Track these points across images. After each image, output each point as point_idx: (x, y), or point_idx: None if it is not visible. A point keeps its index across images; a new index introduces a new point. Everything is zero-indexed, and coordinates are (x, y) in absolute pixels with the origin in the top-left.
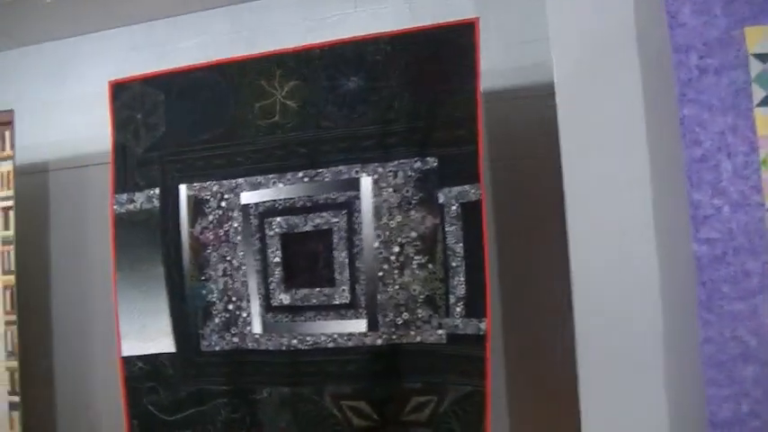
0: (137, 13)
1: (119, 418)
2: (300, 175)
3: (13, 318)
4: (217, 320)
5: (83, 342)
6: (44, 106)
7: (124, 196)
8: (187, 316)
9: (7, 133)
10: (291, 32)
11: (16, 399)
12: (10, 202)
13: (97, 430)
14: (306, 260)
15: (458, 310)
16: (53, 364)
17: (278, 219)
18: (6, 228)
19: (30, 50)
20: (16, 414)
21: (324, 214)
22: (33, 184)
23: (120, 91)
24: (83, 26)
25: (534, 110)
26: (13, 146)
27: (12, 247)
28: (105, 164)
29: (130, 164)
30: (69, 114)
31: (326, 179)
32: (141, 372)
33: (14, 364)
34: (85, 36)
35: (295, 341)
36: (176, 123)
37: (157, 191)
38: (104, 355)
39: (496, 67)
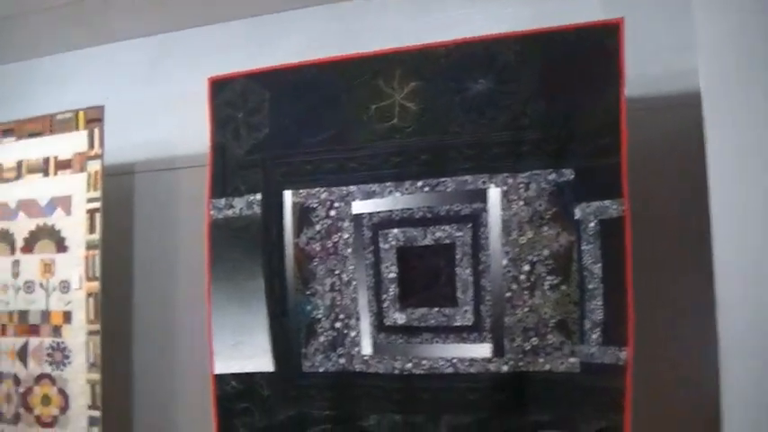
0: (233, 10)
1: None
2: (420, 183)
3: (97, 327)
4: (322, 339)
5: (168, 356)
6: (132, 105)
7: (222, 201)
8: (289, 333)
9: (96, 130)
10: (403, 32)
11: (97, 413)
12: (97, 204)
13: None
14: (424, 277)
15: (594, 336)
16: (134, 378)
17: (394, 231)
18: (92, 231)
19: (120, 47)
20: (96, 430)
21: (446, 227)
22: (118, 186)
23: (220, 88)
24: (176, 22)
25: (676, 120)
26: (102, 144)
27: (97, 252)
28: (197, 167)
29: (230, 166)
30: (159, 114)
31: (449, 189)
32: (235, 391)
33: (96, 376)
34: (179, 32)
35: (409, 365)
36: (282, 124)
37: (259, 196)
38: (192, 371)
39: (634, 73)
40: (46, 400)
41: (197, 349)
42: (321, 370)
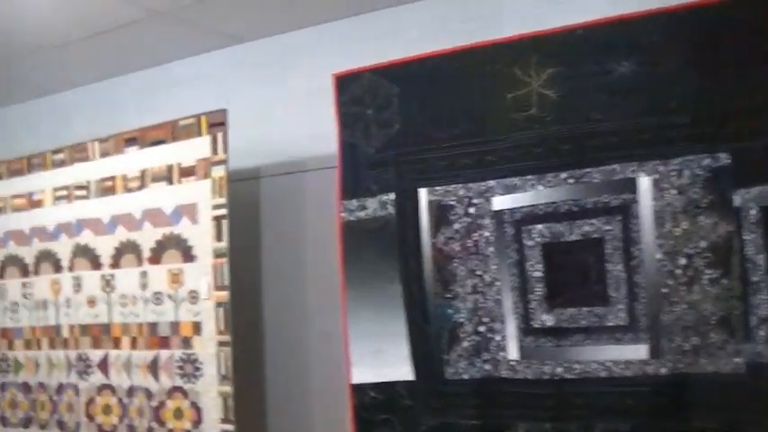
0: (354, 5)
1: None
2: (564, 175)
3: (227, 338)
4: (465, 344)
5: (301, 366)
6: (255, 107)
7: (354, 202)
8: (429, 339)
9: (220, 135)
10: (530, 17)
11: (230, 427)
12: (223, 211)
13: None
14: (573, 274)
15: (761, 333)
16: (266, 389)
17: (538, 227)
18: (219, 239)
19: (241, 49)
20: None
21: (593, 221)
22: (244, 192)
23: (346, 84)
24: (297, 20)
25: None
26: (226, 149)
27: (225, 260)
28: (324, 169)
29: (361, 166)
30: (283, 115)
31: (596, 180)
32: (374, 402)
33: (228, 389)
34: (301, 30)
35: (560, 369)
36: (414, 118)
37: (393, 196)
38: (327, 381)
39: None
40: (178, 413)
41: (332, 358)
42: (465, 377)
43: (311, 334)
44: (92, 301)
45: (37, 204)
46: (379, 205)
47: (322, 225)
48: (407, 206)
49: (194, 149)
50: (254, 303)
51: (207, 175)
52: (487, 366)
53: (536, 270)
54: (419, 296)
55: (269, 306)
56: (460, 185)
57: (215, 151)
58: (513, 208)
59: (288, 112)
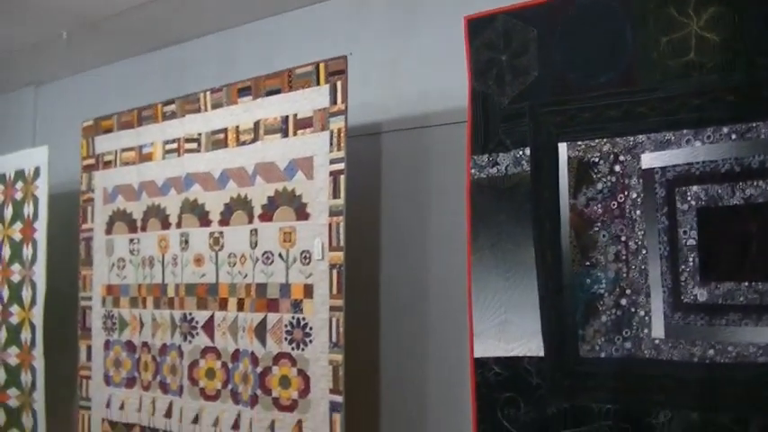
0: None
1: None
2: (726, 130)
3: (340, 303)
4: (604, 319)
5: (419, 337)
6: (376, 57)
7: (485, 158)
8: (563, 312)
9: (339, 84)
10: None
11: (339, 398)
12: (341, 165)
13: None
14: (732, 244)
15: None
16: (380, 360)
17: (694, 188)
18: (335, 195)
19: None
20: (338, 416)
21: (759, 183)
22: (364, 148)
23: (479, 28)
24: None
25: None
26: (345, 98)
27: (341, 219)
28: (451, 124)
29: (493, 118)
30: (408, 65)
31: (763, 136)
32: (498, 378)
33: (339, 357)
34: None
35: (711, 351)
36: (553, 65)
37: (528, 151)
38: (447, 353)
39: None
40: (285, 381)
41: (453, 329)
42: (602, 355)
43: (431, 302)
44: (199, 260)
45: (146, 158)
46: (513, 162)
47: (447, 184)
48: (544, 163)
49: (311, 99)
50: (371, 267)
51: (324, 127)
52: (628, 344)
53: (689, 238)
54: (554, 263)
55: (386, 270)
56: (605, 140)
57: (333, 101)
58: (666, 166)
59: (413, 62)
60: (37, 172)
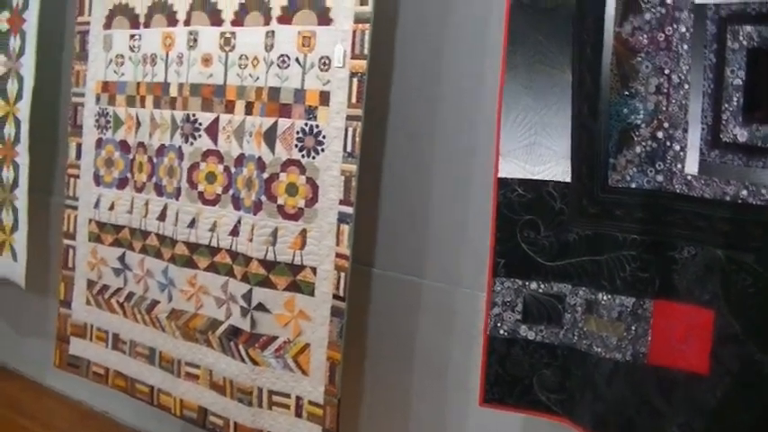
0: None
1: (478, 253)
2: None
3: (359, 112)
4: (638, 150)
5: (434, 151)
6: None
7: None
8: (596, 138)
9: None
10: None
11: (349, 209)
12: None
13: (446, 265)
14: None
15: None
16: (384, 172)
17: (747, 28)
18: (363, 2)
19: None
20: (346, 227)
21: None
22: None
23: None
24: None
25: None
26: None
27: (368, 27)
28: None
29: None
30: None
31: None
32: (520, 200)
33: (353, 167)
34: None
35: (744, 192)
36: None
37: None
38: (467, 171)
39: None
40: (292, 189)
41: (474, 147)
42: (632, 186)
43: (451, 117)
44: (207, 60)
45: None
46: None
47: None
48: None
49: None
50: (386, 77)
51: None
52: (660, 177)
53: (736, 77)
54: (592, 89)
55: (406, 80)
56: None
57: None
58: (720, 3)
59: None
60: None
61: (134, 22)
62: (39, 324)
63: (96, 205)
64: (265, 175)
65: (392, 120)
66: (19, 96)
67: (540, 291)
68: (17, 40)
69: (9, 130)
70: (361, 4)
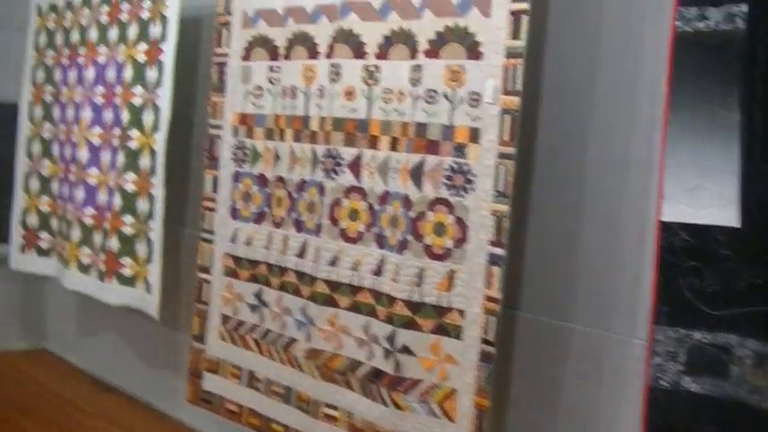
0: None
1: (630, 298)
2: None
3: (511, 150)
4: None
5: (587, 189)
6: None
7: (693, 10)
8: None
9: None
10: None
11: (500, 251)
12: (524, 5)
13: (596, 310)
14: None
15: None
16: (535, 211)
17: None
18: (515, 36)
19: None
20: (497, 269)
21: None
22: None
23: None
24: None
25: None
26: None
27: (520, 62)
28: None
29: None
30: None
31: None
32: (684, 245)
33: (503, 207)
34: None
35: None
36: None
37: (745, 8)
38: (624, 214)
39: None
40: (440, 228)
41: (626, 187)
42: None
43: (597, 157)
44: (350, 93)
45: None
46: (725, 17)
47: (643, 33)
48: (763, 21)
49: None
50: (531, 113)
51: None
52: None
53: None
54: (762, 129)
55: (547, 117)
56: None
57: None
58: None
59: None
60: None
61: (273, 54)
62: (170, 357)
63: (233, 239)
64: (412, 214)
65: (539, 157)
66: (155, 128)
67: (705, 341)
68: (154, 71)
69: (145, 161)
70: (514, 38)
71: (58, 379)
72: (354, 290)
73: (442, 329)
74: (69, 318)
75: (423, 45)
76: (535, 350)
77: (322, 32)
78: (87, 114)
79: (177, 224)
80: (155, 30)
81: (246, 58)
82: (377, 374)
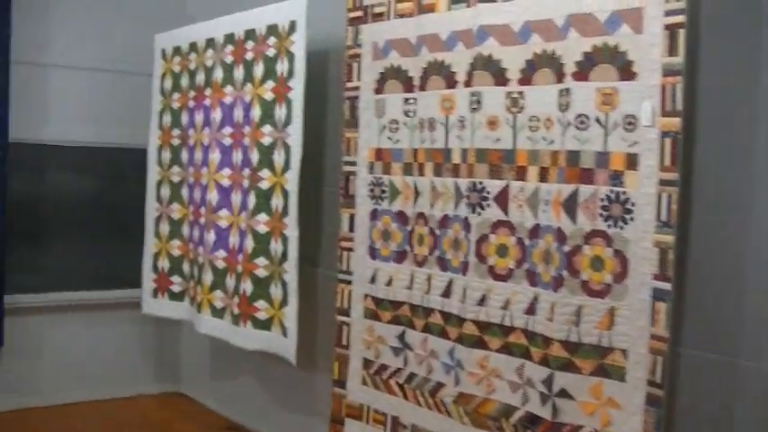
0: None
1: None
2: None
3: (673, 176)
4: None
5: (753, 219)
6: None
7: None
8: None
9: None
10: None
11: (666, 286)
12: (679, 18)
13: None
14: None
15: None
16: (697, 241)
17: None
18: (672, 53)
19: None
20: (662, 305)
21: None
22: None
23: None
24: None
25: None
26: None
27: (679, 80)
28: None
29: None
30: None
31: None
32: None
33: (668, 238)
34: None
35: None
36: None
37: None
38: None
39: None
40: (597, 262)
41: None
42: None
43: (764, 182)
44: (493, 122)
45: (427, 9)
46: None
47: None
48: None
49: None
50: (689, 134)
51: None
52: None
53: None
54: None
55: (707, 139)
56: None
57: None
58: None
59: None
60: (293, 26)
61: (408, 86)
62: (306, 400)
63: (372, 280)
64: (566, 248)
65: (697, 183)
66: (287, 167)
67: None
68: (282, 109)
69: (277, 201)
70: (670, 55)
71: (193, 423)
72: (506, 330)
73: (603, 371)
74: (204, 361)
75: (570, 68)
76: (701, 388)
77: (459, 60)
78: (216, 156)
79: (310, 264)
80: (281, 66)
81: (379, 90)
82: (533, 420)
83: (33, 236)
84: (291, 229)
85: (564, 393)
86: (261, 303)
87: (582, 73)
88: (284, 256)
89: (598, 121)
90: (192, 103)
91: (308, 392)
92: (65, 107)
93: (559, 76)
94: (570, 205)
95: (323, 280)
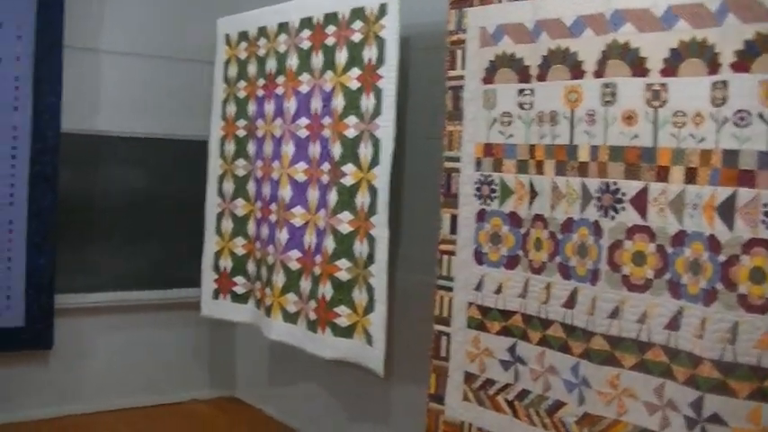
0: None
1: None
2: None
3: None
4: None
5: None
6: None
7: None
8: None
9: None
10: None
11: None
12: None
13: None
14: None
15: None
16: None
17: None
18: None
19: None
20: None
21: None
22: None
23: None
24: None
25: None
26: None
27: None
28: None
29: None
30: None
31: None
32: None
33: None
34: None
35: None
36: None
37: None
38: None
39: None
40: (758, 275)
41: None
42: None
43: None
44: (630, 117)
45: None
46: None
47: None
48: None
49: None
50: None
51: None
52: None
53: None
54: None
55: None
56: None
57: None
58: None
59: None
60: (383, 9)
61: (523, 75)
62: (383, 414)
63: (478, 287)
64: (721, 258)
65: None
66: (375, 162)
67: None
68: (370, 98)
69: (362, 199)
70: None
71: (248, 429)
72: (642, 346)
73: (762, 395)
74: (261, 365)
75: (727, 57)
76: None
77: (588, 48)
78: (290, 149)
79: (402, 269)
80: (369, 53)
81: (489, 80)
82: None
83: (84, 232)
84: (380, 230)
85: (716, 419)
86: (342, 309)
87: (742, 63)
88: (370, 258)
89: (761, 117)
90: (261, 92)
91: (384, 404)
92: (118, 96)
93: (713, 67)
94: (726, 210)
95: (418, 287)
